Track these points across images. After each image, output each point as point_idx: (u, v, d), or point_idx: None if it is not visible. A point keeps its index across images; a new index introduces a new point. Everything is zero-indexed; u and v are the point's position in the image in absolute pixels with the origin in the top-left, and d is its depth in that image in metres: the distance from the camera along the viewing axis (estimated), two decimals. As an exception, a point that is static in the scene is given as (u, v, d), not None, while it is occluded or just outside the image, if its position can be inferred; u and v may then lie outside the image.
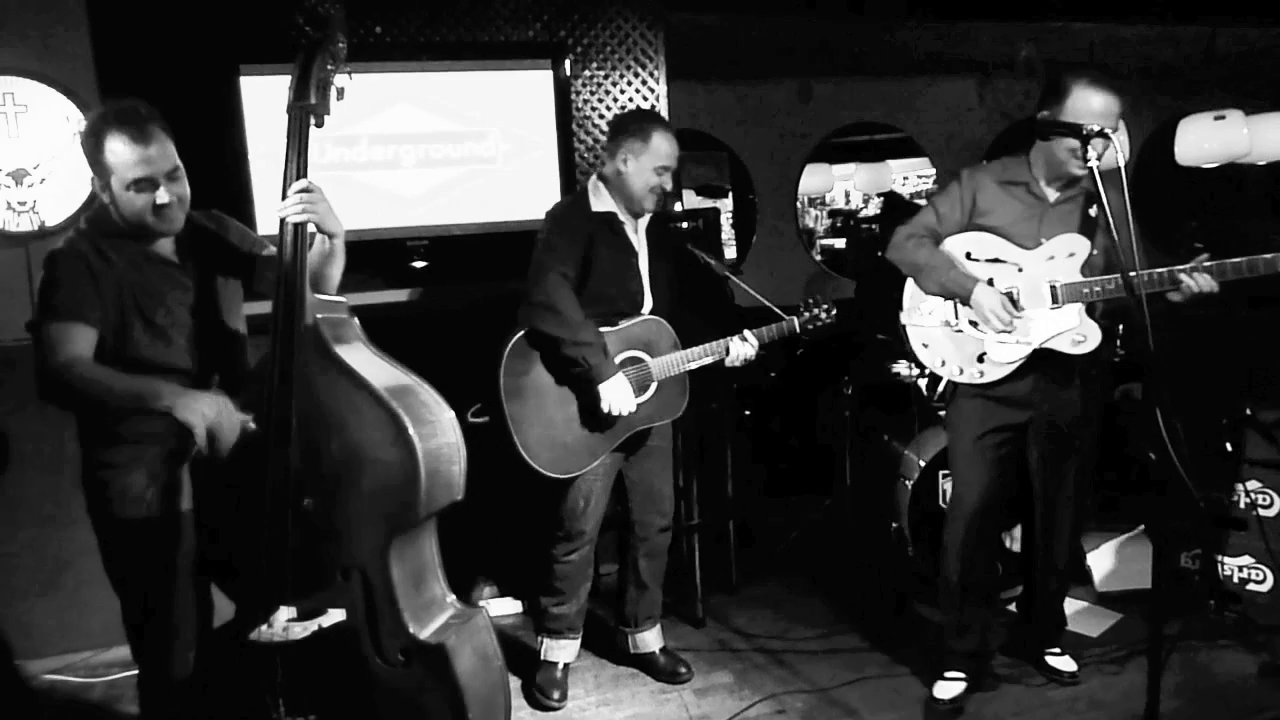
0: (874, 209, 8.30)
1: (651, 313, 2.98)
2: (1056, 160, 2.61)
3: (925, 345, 2.82)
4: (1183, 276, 2.45)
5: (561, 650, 3.10)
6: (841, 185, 8.52)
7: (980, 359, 2.73)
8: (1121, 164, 2.07)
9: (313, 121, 2.05)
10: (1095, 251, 2.62)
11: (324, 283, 2.20)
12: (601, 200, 2.93)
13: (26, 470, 3.22)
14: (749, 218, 5.32)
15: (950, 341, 2.78)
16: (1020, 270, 2.68)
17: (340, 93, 2.08)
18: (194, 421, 1.91)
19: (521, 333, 2.85)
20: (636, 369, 2.90)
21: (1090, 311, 2.63)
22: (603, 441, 2.91)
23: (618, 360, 2.85)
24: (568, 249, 2.84)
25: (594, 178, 2.98)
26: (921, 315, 2.82)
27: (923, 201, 6.76)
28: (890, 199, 7.56)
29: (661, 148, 2.87)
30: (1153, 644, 2.05)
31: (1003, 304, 2.64)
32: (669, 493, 3.15)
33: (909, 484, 3.56)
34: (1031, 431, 2.80)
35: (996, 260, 2.70)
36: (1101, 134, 2.10)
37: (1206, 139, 4.45)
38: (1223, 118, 4.41)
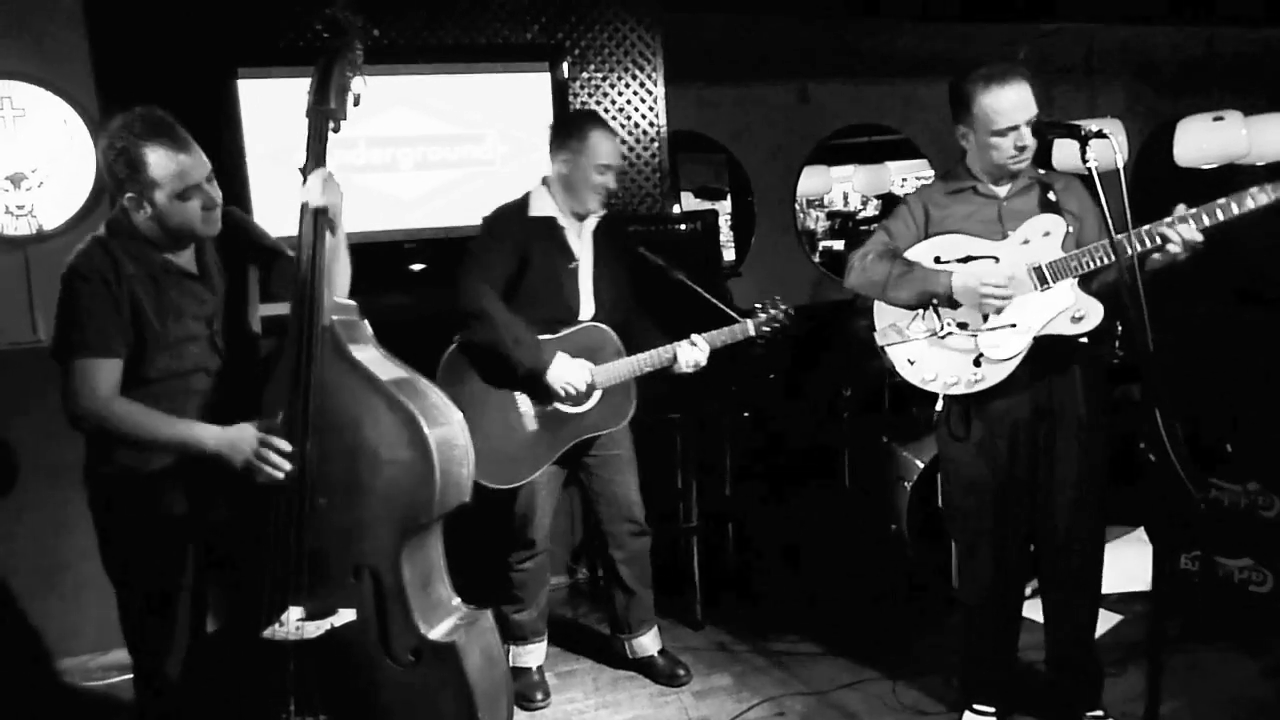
0: (873, 210, 8.30)
1: (593, 319, 2.93)
2: (988, 159, 2.49)
3: (911, 362, 2.59)
4: (1165, 230, 2.27)
5: (530, 654, 3.11)
6: (840, 187, 8.52)
7: (977, 362, 2.50)
8: (1120, 165, 2.06)
9: (330, 125, 2.09)
10: (1071, 230, 2.47)
11: (334, 285, 2.20)
12: (542, 205, 2.90)
13: (25, 474, 3.22)
14: (747, 220, 5.32)
15: (938, 352, 2.55)
16: (997, 262, 2.48)
17: (357, 99, 2.13)
18: (250, 468, 1.96)
19: (454, 347, 2.84)
20: (586, 365, 2.87)
21: (1085, 286, 2.45)
22: (545, 451, 2.89)
23: None
24: (493, 256, 2.82)
25: (540, 182, 2.95)
26: (899, 333, 2.60)
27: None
28: (889, 201, 7.57)
29: (601, 146, 2.83)
30: (1153, 646, 2.04)
31: (989, 272, 2.44)
32: (635, 498, 3.11)
33: (908, 485, 3.56)
34: (1035, 442, 2.58)
35: (969, 258, 2.52)
36: (1099, 134, 2.10)
37: (1205, 140, 4.45)
38: (1221, 119, 4.41)
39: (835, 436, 4.14)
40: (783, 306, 2.98)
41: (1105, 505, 2.70)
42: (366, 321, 2.18)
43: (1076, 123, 2.25)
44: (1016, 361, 2.48)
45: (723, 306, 3.00)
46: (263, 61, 3.34)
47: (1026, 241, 2.49)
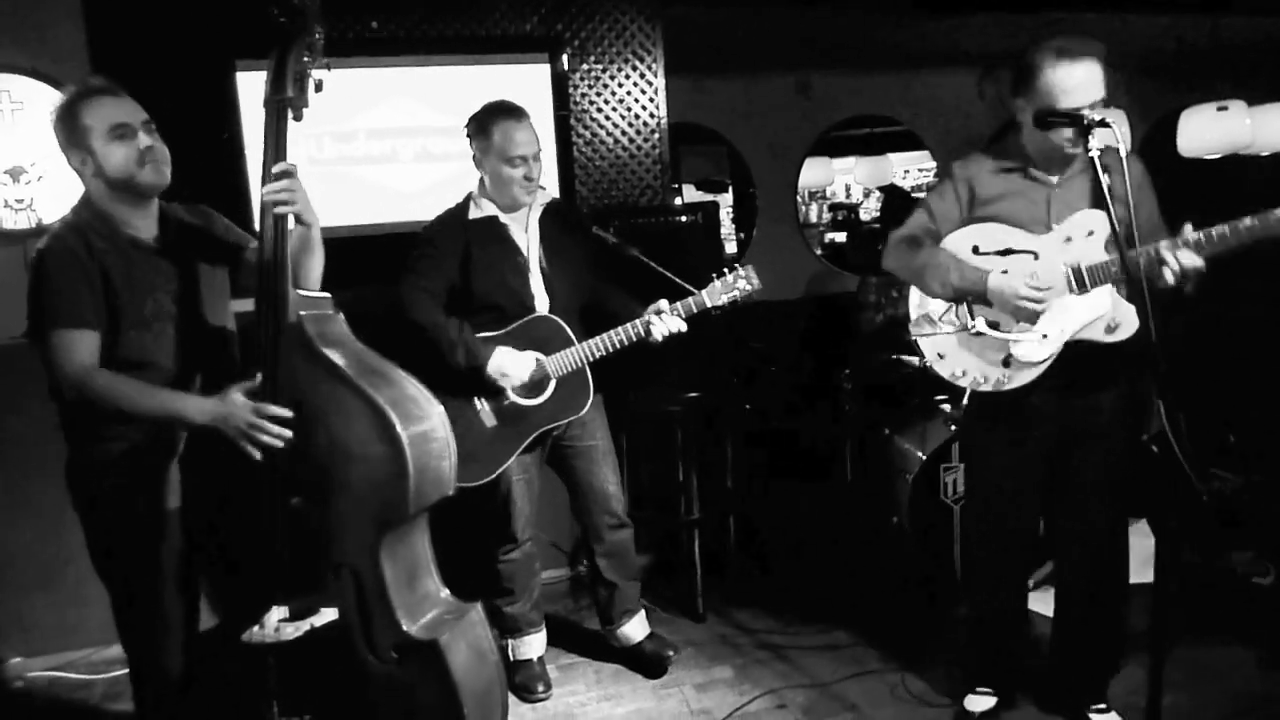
0: (875, 201, 8.30)
1: (550, 310, 2.89)
2: (1051, 145, 2.37)
3: (941, 356, 2.54)
4: (1166, 255, 2.19)
5: (528, 645, 3.12)
6: (842, 179, 8.52)
7: (1006, 362, 2.44)
8: (1124, 152, 2.05)
9: (290, 114, 2.04)
10: (1119, 224, 2.35)
11: (304, 277, 2.19)
12: (481, 208, 2.88)
13: (26, 468, 3.22)
14: (749, 212, 5.30)
15: (969, 348, 2.50)
16: (1036, 258, 2.40)
17: (319, 85, 2.07)
18: (239, 441, 1.93)
19: None
20: (529, 356, 2.84)
21: (1122, 293, 2.37)
22: (506, 446, 2.86)
23: None
24: (429, 264, 2.81)
25: (477, 186, 2.91)
26: (932, 324, 2.55)
27: (924, 194, 6.77)
28: (891, 192, 7.56)
29: (511, 136, 2.78)
30: (1155, 638, 2.04)
31: (1027, 284, 2.35)
32: (613, 490, 3.08)
33: (909, 478, 3.55)
34: (1062, 443, 2.54)
35: (1008, 251, 2.43)
36: (1103, 123, 2.07)
37: (1209, 130, 4.42)
38: (1225, 108, 4.38)
39: (836, 429, 4.14)
40: (743, 272, 2.88)
41: (1127, 507, 2.67)
42: (341, 315, 2.15)
43: (1080, 111, 2.23)
44: (1045, 366, 2.42)
45: (680, 281, 2.91)
46: (261, 54, 3.30)
47: (1069, 239, 2.39)
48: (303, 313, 2.02)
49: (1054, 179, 2.45)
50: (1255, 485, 3.35)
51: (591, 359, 2.86)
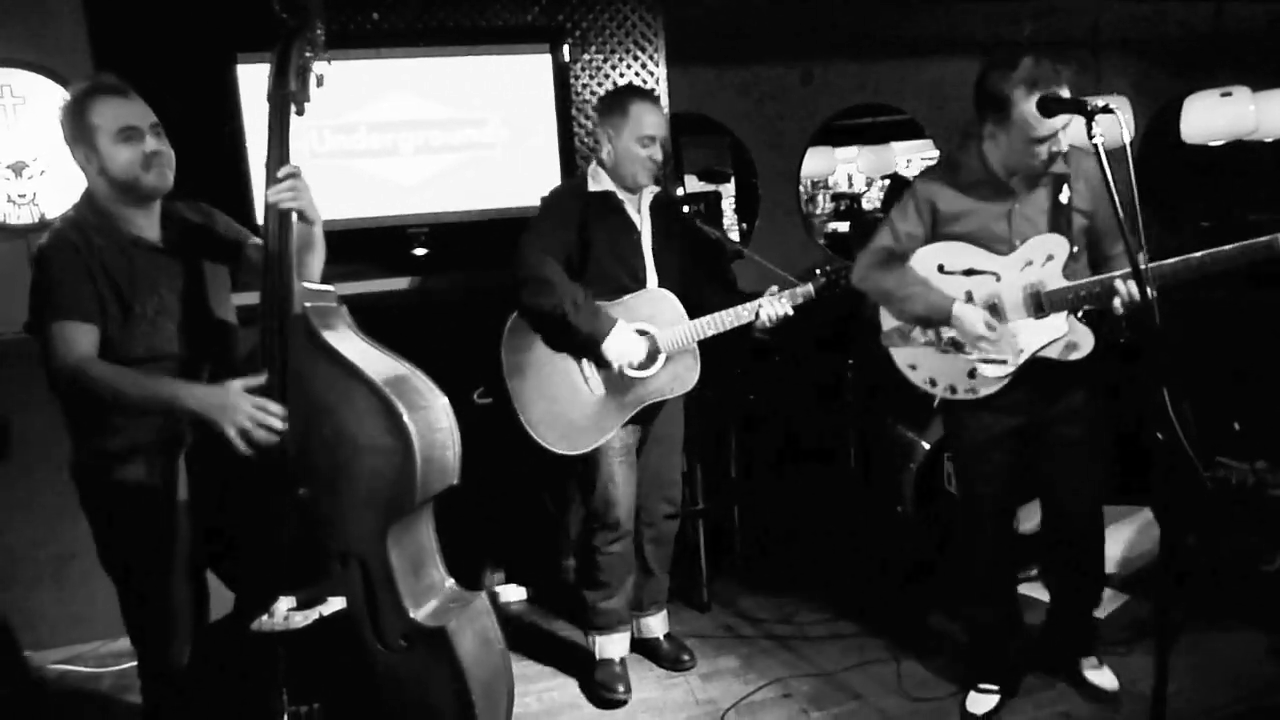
0: (877, 191, 8.28)
1: (659, 287, 2.93)
2: (1015, 153, 2.41)
3: (913, 366, 2.68)
4: (1118, 285, 2.31)
5: (616, 645, 3.05)
6: (844, 168, 8.50)
7: (971, 374, 2.59)
8: (1127, 141, 2.04)
9: (293, 109, 2.05)
10: (1076, 249, 2.46)
11: (305, 271, 2.20)
12: (599, 182, 2.91)
13: (33, 462, 3.22)
14: (751, 202, 5.29)
15: (938, 360, 2.64)
16: (998, 279, 2.52)
17: (320, 80, 2.07)
18: (229, 431, 1.93)
19: (515, 315, 2.86)
20: (644, 341, 2.86)
21: (1079, 315, 2.50)
22: (612, 416, 2.87)
23: None
24: (552, 231, 2.83)
25: (594, 162, 2.96)
26: (904, 337, 2.68)
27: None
28: (895, 181, 7.54)
29: (643, 118, 2.83)
30: (1160, 625, 2.04)
31: (984, 321, 2.49)
32: (677, 479, 3.13)
33: (913, 467, 3.55)
34: (1035, 437, 2.66)
35: (971, 271, 2.54)
36: (1106, 109, 2.06)
37: (1212, 116, 4.41)
38: (1229, 94, 4.37)
39: (840, 419, 4.13)
40: (839, 266, 2.93)
41: (1106, 490, 2.80)
42: (345, 307, 2.16)
43: (1082, 98, 2.22)
44: (1006, 381, 2.55)
45: (783, 274, 2.98)
46: (262, 47, 3.30)
47: (1029, 263, 2.48)
48: (307, 304, 2.03)
49: (1014, 193, 2.51)
50: (1260, 472, 3.34)
51: (702, 337, 2.87)
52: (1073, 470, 2.67)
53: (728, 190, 6.24)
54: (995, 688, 2.79)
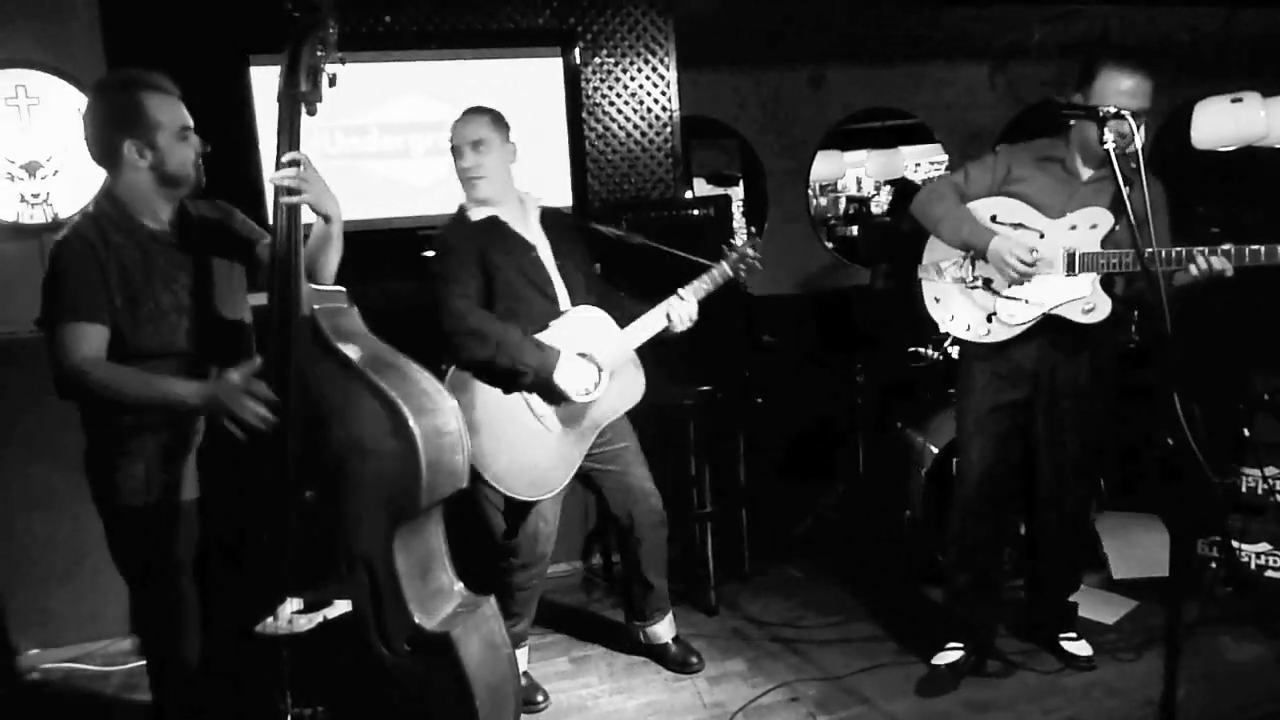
0: (886, 195, 8.27)
1: (573, 303, 2.85)
2: (1091, 141, 2.61)
3: (937, 299, 2.87)
4: (1198, 256, 2.45)
5: (521, 660, 3.01)
6: (853, 172, 8.49)
7: (989, 318, 2.78)
8: (1138, 147, 2.05)
9: (304, 109, 2.04)
10: (1119, 228, 2.63)
11: (320, 272, 2.20)
12: (478, 210, 2.81)
13: (44, 461, 3.24)
14: (760, 205, 5.30)
15: (962, 298, 2.83)
16: (1042, 236, 2.71)
17: (332, 80, 2.06)
18: (225, 421, 1.94)
19: (453, 368, 2.74)
20: (589, 364, 2.80)
21: (1106, 285, 2.67)
22: (574, 447, 2.82)
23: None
24: (461, 271, 2.73)
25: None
26: (938, 272, 2.87)
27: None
28: (901, 186, 7.53)
29: (452, 131, 2.79)
30: (1170, 630, 2.03)
31: (1021, 249, 2.65)
32: (652, 487, 3.05)
33: (922, 471, 3.55)
34: (1037, 407, 2.84)
35: (1020, 225, 2.74)
36: (1118, 115, 2.07)
37: (1223, 122, 4.39)
38: (1240, 100, 4.35)
39: (849, 422, 4.13)
40: (749, 241, 2.93)
41: (1095, 471, 3.09)
42: (355, 308, 2.16)
43: (1093, 104, 2.23)
44: (1022, 329, 2.74)
45: (692, 258, 2.93)
46: (274, 49, 3.32)
47: (1074, 228, 2.69)
48: (316, 306, 2.03)
49: (1085, 175, 2.74)
50: (1271, 479, 3.33)
51: (638, 344, 2.84)
52: (1064, 443, 2.85)
53: (736, 194, 6.25)
54: (960, 646, 2.97)
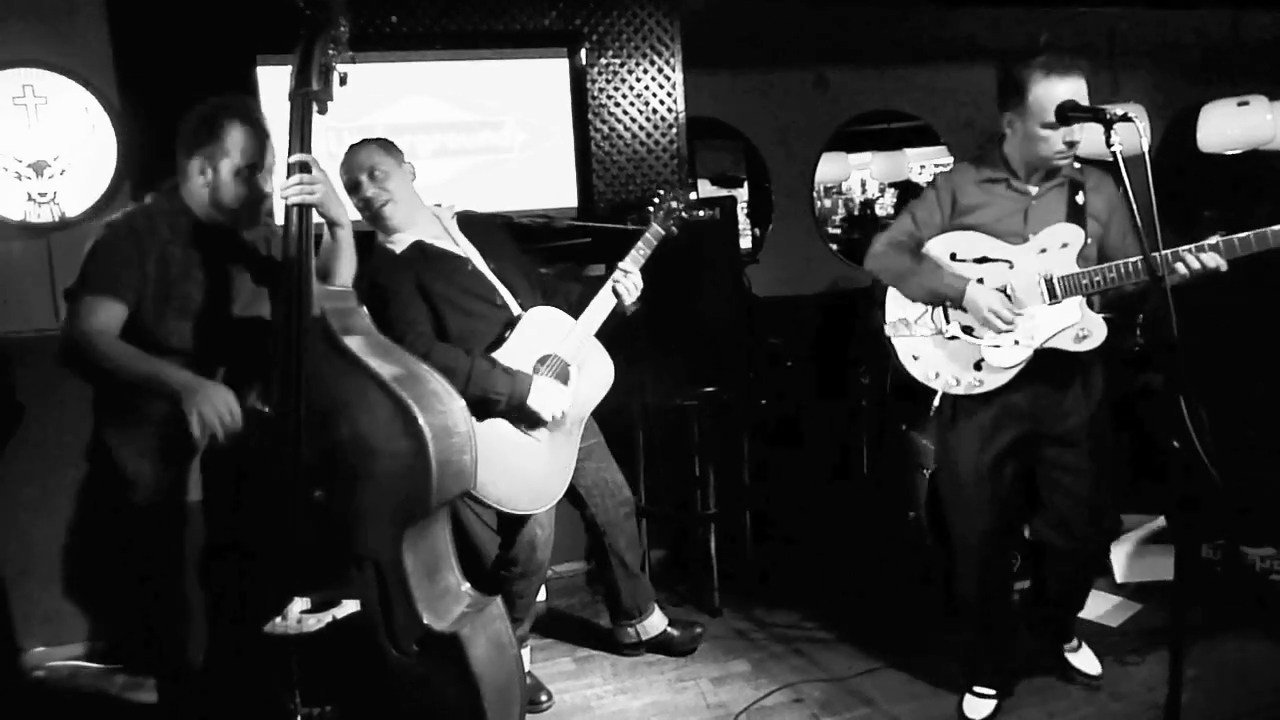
0: (890, 197, 8.27)
1: (520, 304, 2.81)
2: (1033, 150, 2.46)
3: (915, 358, 2.66)
4: (1187, 255, 2.29)
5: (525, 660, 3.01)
6: (858, 174, 8.49)
7: (978, 366, 2.56)
8: (1145, 149, 2.04)
9: (315, 108, 2.05)
10: (1089, 240, 2.48)
11: (334, 277, 2.22)
12: (396, 240, 2.75)
13: (50, 459, 3.24)
14: (765, 207, 5.29)
15: (942, 351, 2.61)
16: (1011, 267, 2.52)
17: (344, 79, 2.08)
18: (191, 413, 1.97)
19: None
20: (551, 365, 2.77)
21: (1091, 305, 2.50)
22: (566, 449, 2.81)
23: (530, 369, 2.72)
24: (405, 310, 2.66)
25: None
26: (908, 327, 2.66)
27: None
28: (906, 188, 7.53)
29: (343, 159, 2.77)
30: (1174, 634, 2.03)
31: (1001, 301, 2.47)
32: (621, 479, 3.09)
33: (926, 473, 3.54)
34: (1039, 447, 2.65)
35: (984, 259, 2.54)
36: (1125, 117, 2.07)
37: (1229, 125, 4.39)
38: (1246, 103, 4.35)
39: (853, 424, 4.13)
40: (674, 194, 2.92)
41: (1117, 505, 2.84)
42: (364, 308, 2.17)
43: (1100, 107, 2.23)
44: (1015, 371, 2.53)
45: (619, 226, 2.93)
46: (282, 49, 3.32)
47: (1044, 250, 2.49)
48: (326, 306, 2.04)
49: (1033, 190, 2.55)
50: (1275, 481, 3.33)
51: (595, 328, 2.82)
52: (1076, 493, 2.66)
53: (741, 195, 6.25)
54: (993, 692, 2.80)
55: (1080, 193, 2.52)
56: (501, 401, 2.63)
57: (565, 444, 2.81)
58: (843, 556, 3.95)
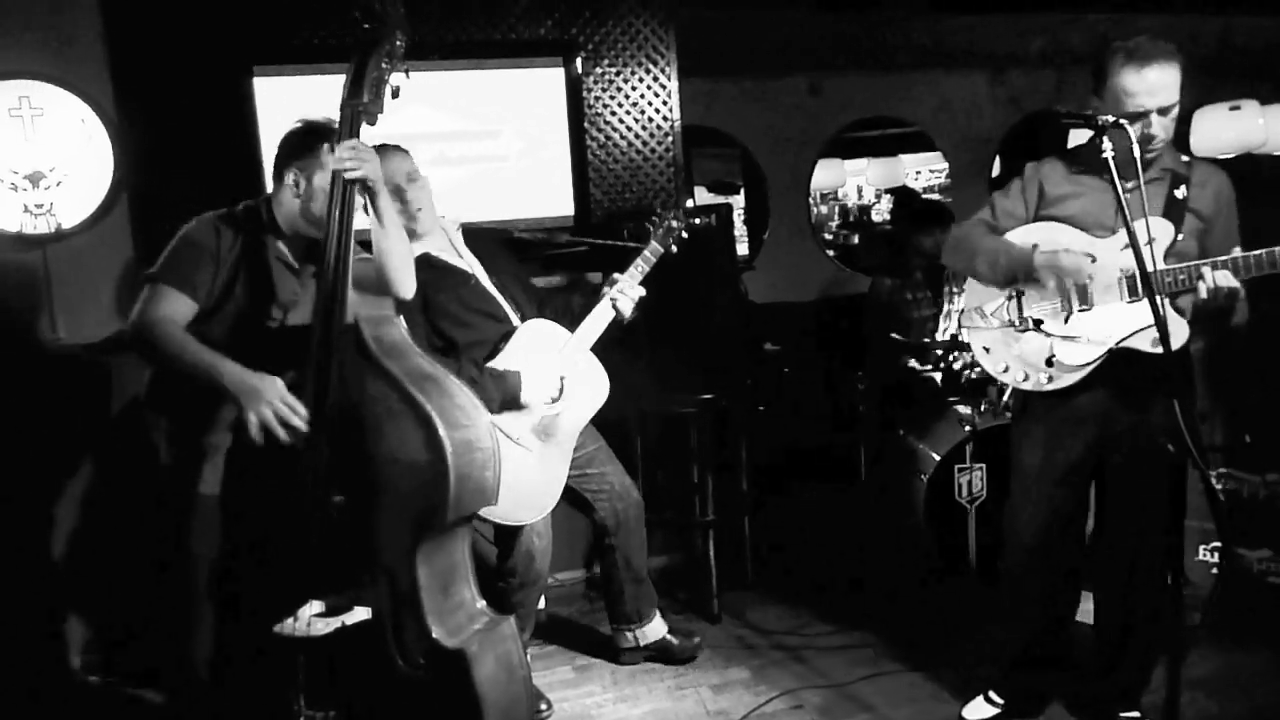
0: (886, 203, 8.29)
1: (521, 319, 2.84)
2: (1122, 147, 2.25)
3: (987, 350, 2.55)
4: (1205, 271, 2.17)
5: None
6: (854, 180, 8.50)
7: (1049, 362, 2.42)
8: (1137, 155, 2.04)
9: (364, 121, 2.09)
10: (1182, 237, 2.30)
11: (394, 283, 2.25)
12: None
13: (47, 469, 3.24)
14: (761, 214, 5.31)
15: (1014, 345, 2.49)
16: (1094, 261, 2.35)
17: (396, 91, 2.12)
18: (250, 415, 1.99)
19: None
20: (545, 370, 2.79)
21: (1180, 312, 2.30)
22: (558, 461, 2.82)
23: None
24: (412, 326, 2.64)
25: None
26: (983, 318, 2.56)
27: (935, 195, 6.75)
28: (901, 194, 7.55)
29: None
30: (1172, 637, 2.04)
31: (1073, 253, 2.31)
32: (629, 481, 3.10)
33: (924, 479, 3.55)
34: (1107, 453, 2.48)
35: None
36: (1117, 125, 2.06)
37: (1222, 129, 4.42)
38: (1238, 108, 4.38)
39: (851, 430, 4.14)
40: (672, 213, 2.93)
41: (1182, 529, 2.58)
42: (400, 319, 2.20)
43: (1091, 113, 2.22)
44: (1087, 370, 2.39)
45: (619, 243, 2.94)
46: (278, 60, 3.35)
47: (1128, 245, 2.20)
48: (361, 313, 2.06)
49: (1127, 184, 2.28)
50: (1272, 484, 3.34)
51: (592, 342, 2.84)
52: (1148, 504, 2.45)
53: (737, 202, 6.26)
54: (1002, 702, 2.75)
55: (1183, 186, 2.35)
56: (495, 403, 2.65)
57: (557, 455, 2.82)
58: (842, 562, 3.95)
